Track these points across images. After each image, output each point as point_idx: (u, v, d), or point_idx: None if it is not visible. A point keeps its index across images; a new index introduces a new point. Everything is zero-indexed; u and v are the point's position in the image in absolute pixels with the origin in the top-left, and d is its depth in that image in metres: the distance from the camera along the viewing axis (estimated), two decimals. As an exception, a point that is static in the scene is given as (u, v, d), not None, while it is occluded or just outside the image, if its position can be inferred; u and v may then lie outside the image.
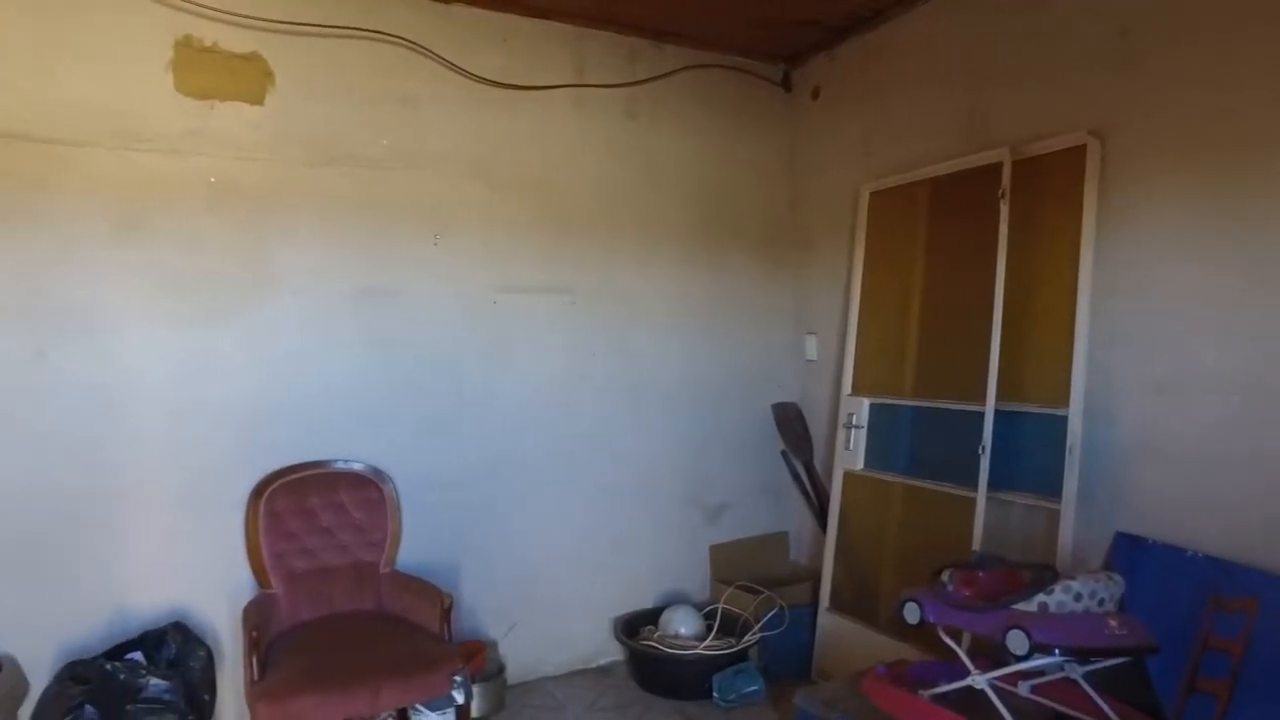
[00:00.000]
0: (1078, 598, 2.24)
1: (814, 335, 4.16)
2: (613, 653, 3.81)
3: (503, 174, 3.53)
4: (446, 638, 2.84)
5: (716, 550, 4.08)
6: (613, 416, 3.82)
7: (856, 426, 3.60)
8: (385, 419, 3.30)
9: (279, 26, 3.10)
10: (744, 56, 4.11)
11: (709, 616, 3.67)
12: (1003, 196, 3.01)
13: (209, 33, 3.02)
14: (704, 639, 3.54)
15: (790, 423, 4.13)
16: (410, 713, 2.94)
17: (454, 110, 3.42)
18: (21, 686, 2.72)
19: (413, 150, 3.34)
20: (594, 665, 3.78)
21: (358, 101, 3.25)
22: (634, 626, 3.71)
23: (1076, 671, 2.31)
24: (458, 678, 2.69)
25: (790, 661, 3.63)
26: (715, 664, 3.43)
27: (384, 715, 2.89)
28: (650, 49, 3.87)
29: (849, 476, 3.68)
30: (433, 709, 2.89)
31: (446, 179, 3.41)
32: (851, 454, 3.62)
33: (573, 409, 3.71)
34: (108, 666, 2.58)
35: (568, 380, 3.70)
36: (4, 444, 2.74)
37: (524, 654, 3.60)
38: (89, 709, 2.45)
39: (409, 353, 3.35)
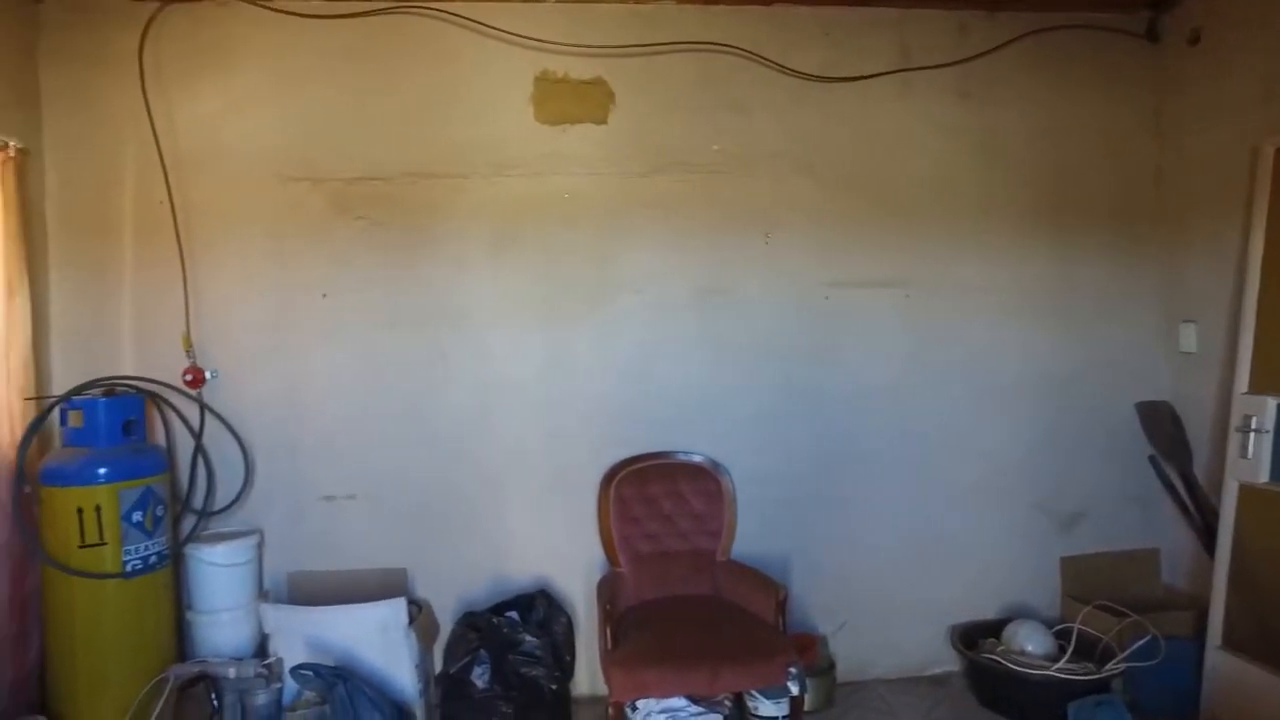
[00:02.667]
0: None
1: (1192, 324, 3.57)
2: (947, 662, 3.61)
3: (830, 168, 3.51)
4: (781, 629, 2.90)
5: (1069, 563, 3.68)
6: (950, 414, 3.61)
7: (1257, 430, 3.02)
8: (720, 413, 3.46)
9: (619, 51, 3.39)
10: (1096, 10, 3.65)
11: (1061, 636, 3.32)
12: None
13: (560, 65, 3.40)
14: (1056, 660, 3.21)
15: (1161, 424, 3.60)
16: (746, 698, 3.04)
17: (780, 109, 3.48)
18: (434, 627, 3.31)
19: (742, 153, 3.46)
20: (927, 674, 3.61)
21: (690, 111, 3.44)
22: (972, 637, 3.48)
23: None
24: (793, 669, 2.73)
25: (1164, 701, 3.16)
26: (1070, 690, 3.09)
27: (721, 696, 3.03)
28: (981, 20, 3.60)
29: (1247, 491, 3.10)
30: (768, 697, 2.96)
31: (775, 178, 3.47)
32: (1250, 464, 3.05)
33: (907, 405, 3.58)
34: (494, 620, 3.02)
35: (901, 376, 3.57)
36: (419, 429, 3.37)
37: (853, 653, 3.54)
38: (483, 652, 2.92)
39: (742, 349, 3.48)
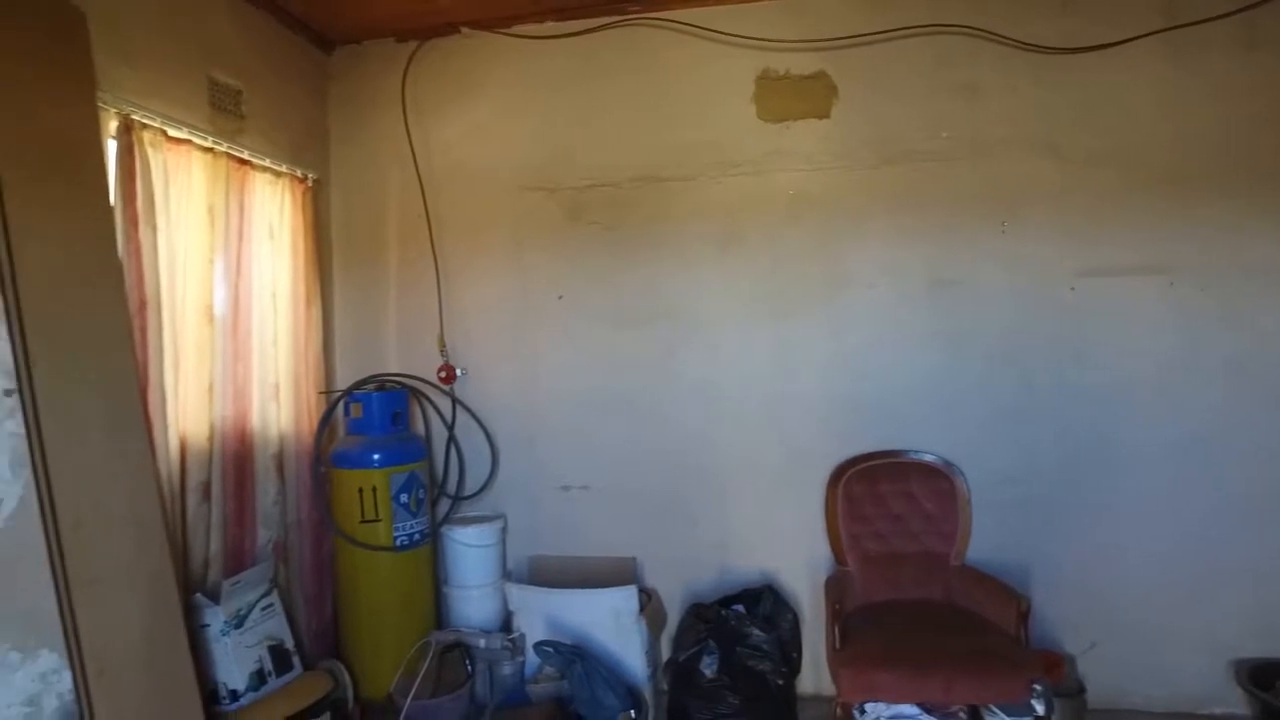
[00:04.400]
0: None
1: None
2: (1232, 703, 3.14)
3: (1077, 147, 3.21)
4: (1024, 642, 2.71)
5: (1388, 594, 3.11)
6: (1226, 412, 3.14)
7: None
8: (954, 411, 3.29)
9: (841, 43, 3.32)
10: None
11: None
12: None
13: (781, 63, 3.39)
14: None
15: None
16: (984, 713, 2.88)
17: (1016, 88, 3.24)
18: (662, 615, 3.44)
19: (974, 138, 3.27)
20: (1204, 712, 3.18)
21: (915, 99, 3.30)
22: (1267, 677, 3.02)
23: None
24: (1038, 686, 2.55)
25: None
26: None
27: (955, 708, 2.89)
28: (1271, -41, 3.13)
29: None
30: (1010, 714, 2.77)
31: (1012, 162, 3.24)
32: None
33: (1171, 403, 3.18)
34: (722, 612, 3.09)
35: (1163, 371, 3.18)
36: (649, 425, 3.52)
37: (1106, 677, 3.22)
38: (711, 643, 2.99)
39: (977, 344, 3.28)
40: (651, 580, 3.52)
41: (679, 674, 3.07)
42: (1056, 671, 3.06)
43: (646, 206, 3.49)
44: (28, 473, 2.14)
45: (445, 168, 3.67)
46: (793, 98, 3.39)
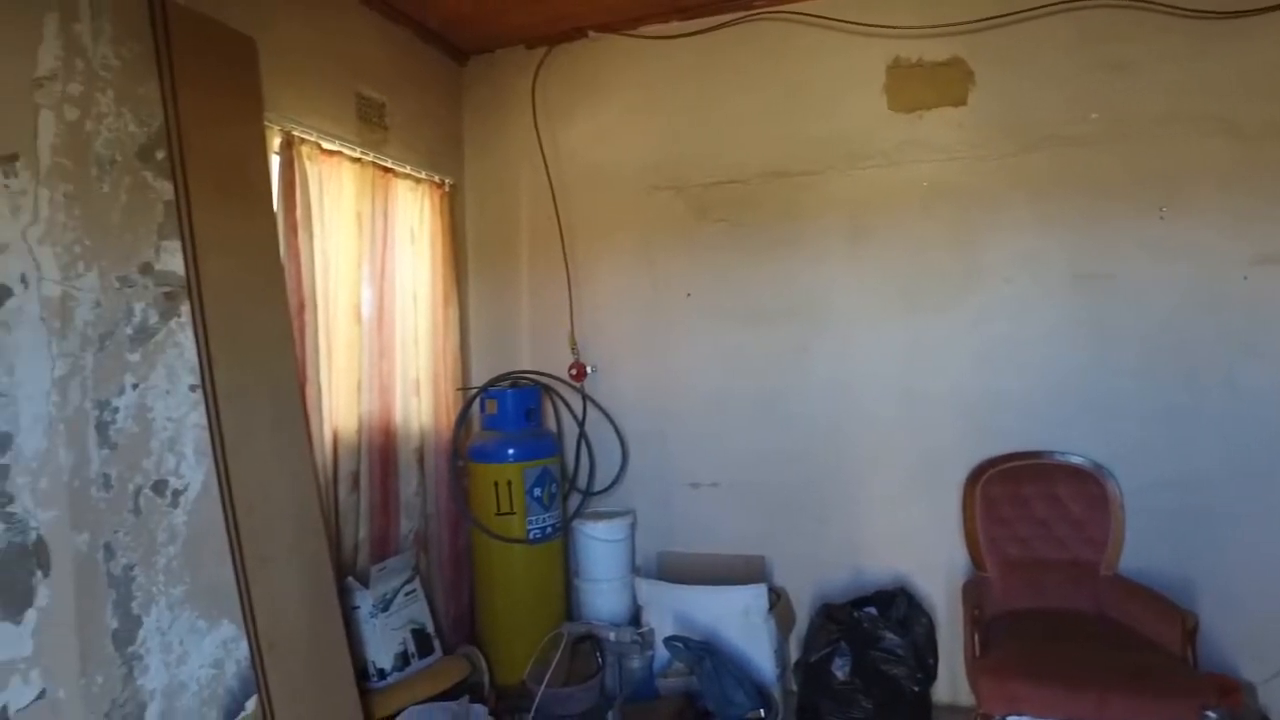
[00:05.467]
0: None
1: None
2: None
3: (1254, 119, 2.93)
4: (1190, 663, 2.52)
5: None
6: None
7: None
8: (1104, 411, 3.08)
9: (978, 26, 3.18)
10: None
11: None
12: None
13: (914, 51, 3.29)
14: None
15: None
16: (1143, 732, 2.69)
17: (1174, 60, 3.00)
18: (791, 615, 3.41)
19: (1126, 118, 3.05)
20: None
21: (1059, 80, 3.12)
22: None
23: None
24: (1211, 713, 2.35)
25: None
26: None
27: (1110, 727, 2.71)
28: None
29: None
30: (1174, 737, 2.58)
31: (1172, 141, 3.00)
32: None
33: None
34: (854, 614, 3.02)
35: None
36: (779, 422, 3.49)
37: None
38: (843, 644, 2.93)
39: (1130, 339, 3.06)
40: (780, 579, 3.49)
41: (809, 675, 3.03)
42: (1233, 698, 2.81)
43: (774, 202, 3.46)
44: (209, 461, 2.35)
45: (574, 169, 3.76)
46: (926, 86, 3.28)
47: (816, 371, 3.43)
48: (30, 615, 1.93)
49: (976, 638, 2.69)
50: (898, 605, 3.09)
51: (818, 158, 3.39)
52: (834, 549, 3.41)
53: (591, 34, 3.66)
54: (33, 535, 1.94)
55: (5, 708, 1.88)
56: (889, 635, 2.93)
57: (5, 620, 1.88)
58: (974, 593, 2.89)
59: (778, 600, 3.30)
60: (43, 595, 1.95)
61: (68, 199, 2.05)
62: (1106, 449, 3.05)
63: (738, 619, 3.19)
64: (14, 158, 1.94)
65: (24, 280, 1.95)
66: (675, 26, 3.57)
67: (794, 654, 3.35)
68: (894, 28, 3.26)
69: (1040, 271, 3.15)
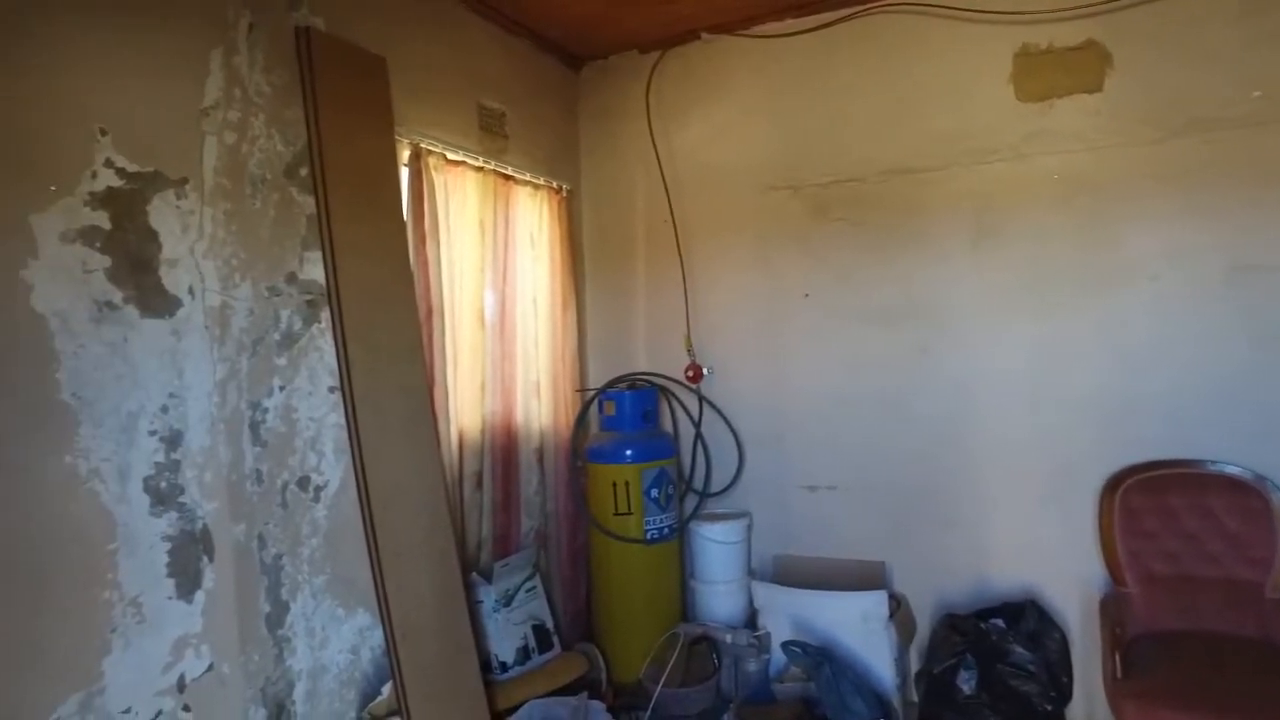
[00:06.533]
0: None
1: None
2: None
3: None
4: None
5: None
6: None
7: None
8: (1266, 418, 2.83)
9: (1115, 5, 2.99)
10: None
11: None
12: None
13: (1043, 36, 3.12)
14: None
15: None
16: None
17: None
18: (911, 623, 3.31)
19: (1295, 96, 2.80)
20: None
21: (1216, 57, 2.88)
22: None
23: None
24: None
25: None
26: None
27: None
28: None
29: None
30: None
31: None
32: None
33: None
34: (980, 625, 2.90)
35: None
36: (899, 425, 3.39)
37: None
38: (969, 657, 2.82)
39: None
40: (900, 585, 3.39)
41: (932, 686, 2.93)
42: None
43: (894, 200, 3.37)
44: (347, 458, 2.50)
45: (689, 171, 3.78)
46: (1057, 73, 3.10)
47: (939, 373, 3.31)
48: (199, 596, 2.11)
49: (1118, 658, 2.53)
50: (1027, 618, 2.94)
51: (940, 153, 3.27)
52: (957, 556, 3.28)
53: (705, 36, 3.66)
54: (199, 524, 2.12)
55: (183, 676, 2.07)
56: (1019, 649, 2.80)
57: (180, 599, 2.07)
58: (1113, 609, 2.73)
59: (898, 607, 3.21)
60: (209, 578, 2.14)
61: (226, 216, 2.24)
62: (1269, 457, 2.80)
63: (856, 625, 3.12)
64: (184, 181, 2.12)
65: (191, 291, 2.13)
66: (790, 24, 3.52)
67: (914, 664, 3.25)
68: (1021, 13, 3.11)
69: (1192, 266, 2.91)
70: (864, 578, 3.35)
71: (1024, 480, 3.18)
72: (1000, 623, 2.97)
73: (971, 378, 3.25)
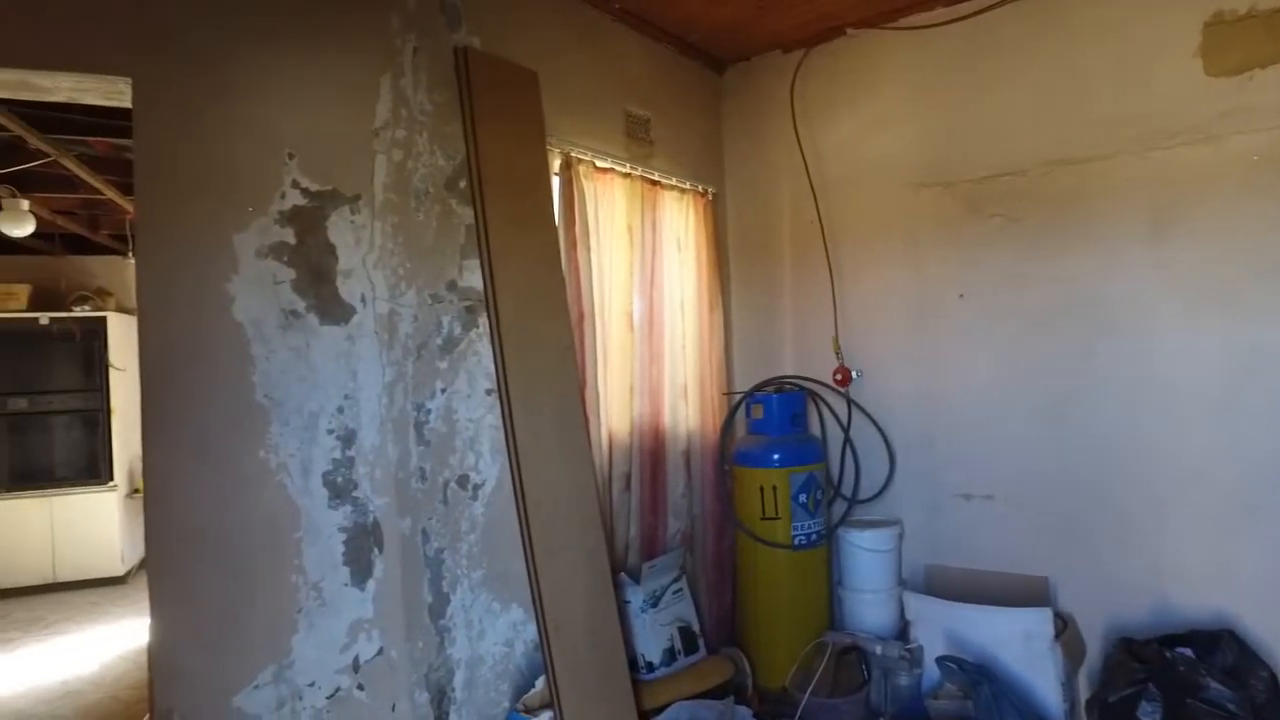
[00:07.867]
0: None
1: None
2: None
3: None
4: None
5: None
6: None
7: None
8: None
9: (1330, -38, 2.66)
10: None
11: None
12: None
13: (1241, 1, 2.81)
14: None
15: None
16: None
17: None
18: (1080, 646, 3.07)
19: None
20: None
21: None
22: None
23: None
24: None
25: None
26: None
27: None
28: None
29: None
30: None
31: None
32: None
33: None
34: (1166, 654, 2.65)
35: None
36: (1064, 432, 3.16)
37: None
38: (1151, 688, 2.57)
39: None
40: (1065, 605, 3.15)
41: (1107, 716, 2.70)
42: None
43: (1056, 193, 3.13)
44: (503, 458, 2.61)
45: (835, 171, 3.68)
46: (1260, 40, 2.77)
47: (1110, 376, 3.04)
48: (370, 584, 2.27)
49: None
50: (1223, 650, 2.66)
51: (1108, 140, 3.02)
52: (1133, 576, 3.00)
53: (849, 31, 3.57)
54: (370, 518, 2.28)
55: (357, 658, 2.24)
56: (1215, 685, 2.53)
57: (354, 586, 2.24)
58: (1330, 643, 2.42)
59: (1064, 627, 2.99)
60: (379, 568, 2.29)
61: (394, 229, 2.40)
62: None
63: (1018, 644, 2.93)
64: (358, 197, 2.30)
65: (363, 299, 2.30)
66: (940, 14, 3.36)
67: (1084, 690, 3.02)
68: (1215, -22, 2.83)
69: None
70: (1025, 593, 3.15)
71: (1214, 493, 2.87)
72: (1188, 652, 2.70)
73: (1147, 382, 2.98)
